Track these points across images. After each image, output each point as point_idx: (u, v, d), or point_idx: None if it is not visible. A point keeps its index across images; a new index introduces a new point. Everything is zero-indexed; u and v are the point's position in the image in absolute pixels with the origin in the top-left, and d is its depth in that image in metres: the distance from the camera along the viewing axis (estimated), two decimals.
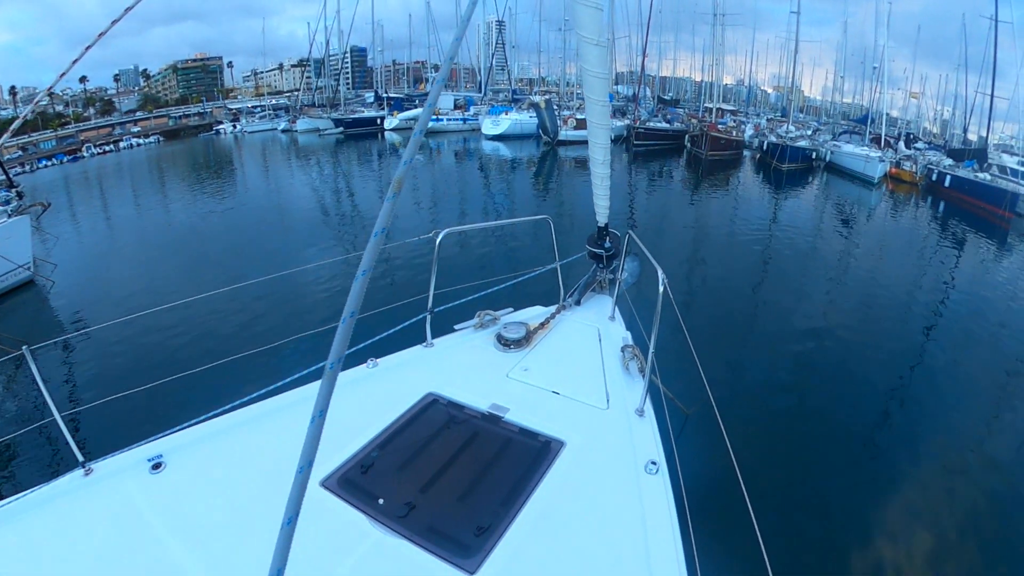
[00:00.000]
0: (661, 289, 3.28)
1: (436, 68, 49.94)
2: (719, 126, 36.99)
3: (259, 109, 52.75)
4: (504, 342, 3.99)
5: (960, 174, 31.82)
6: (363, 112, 41.19)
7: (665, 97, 53.99)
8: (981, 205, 27.89)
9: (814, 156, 36.63)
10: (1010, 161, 31.07)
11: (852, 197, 28.58)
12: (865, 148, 35.22)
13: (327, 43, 44.90)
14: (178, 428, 2.91)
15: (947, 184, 32.24)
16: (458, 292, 4.74)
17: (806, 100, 66.23)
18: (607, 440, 3.13)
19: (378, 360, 3.64)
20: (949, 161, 35.68)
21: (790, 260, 15.41)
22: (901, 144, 39.87)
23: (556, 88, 46.17)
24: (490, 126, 34.22)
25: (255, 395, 3.21)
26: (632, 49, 48.57)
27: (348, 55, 52.85)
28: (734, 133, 37.87)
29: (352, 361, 3.47)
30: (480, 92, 45.13)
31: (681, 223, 18.98)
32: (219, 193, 19.85)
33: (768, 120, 50.95)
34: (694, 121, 39.25)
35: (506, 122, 34.31)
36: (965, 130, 44.02)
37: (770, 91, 72.13)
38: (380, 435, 2.99)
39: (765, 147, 36.55)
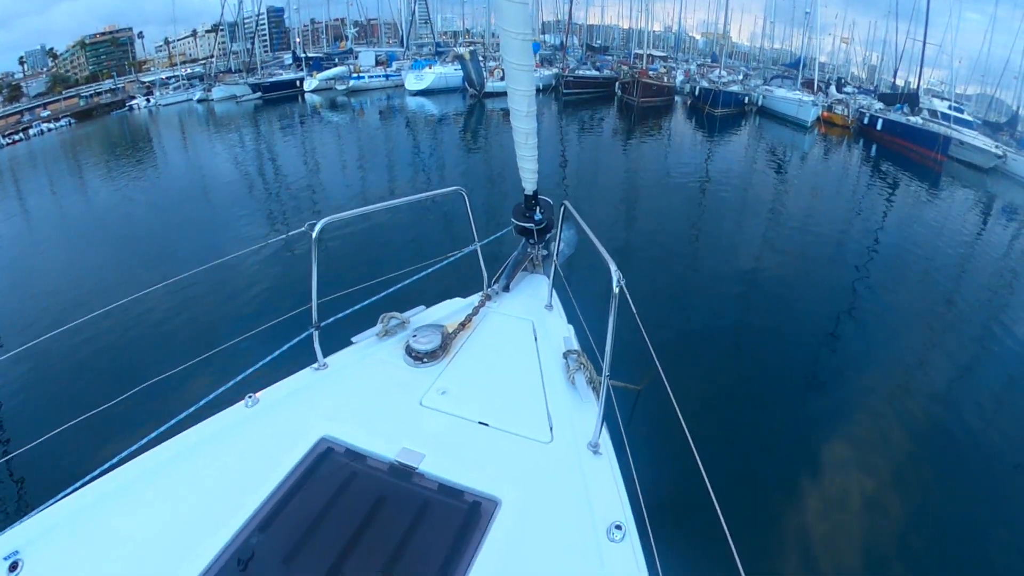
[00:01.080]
0: (616, 290, 2.48)
1: (356, 25, 48.41)
2: (650, 72, 36.74)
3: (173, 80, 50.25)
4: (415, 355, 3.27)
5: (892, 117, 32.85)
6: (281, 75, 39.49)
7: (594, 45, 53.40)
8: (913, 148, 28.87)
9: (746, 101, 37.13)
10: (941, 105, 32.46)
11: (786, 141, 29.14)
12: (798, 92, 35.98)
13: (240, 4, 42.85)
14: (41, 509, 2.23)
15: (879, 127, 33.24)
16: (355, 295, 3.98)
17: (734, 46, 66.72)
18: (554, 492, 2.51)
19: (258, 395, 2.88)
20: (880, 105, 36.82)
21: (728, 205, 15.60)
22: (832, 88, 40.80)
23: (482, 39, 45.09)
24: (414, 81, 33.12)
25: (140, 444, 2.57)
26: None
27: (264, 16, 50.65)
28: (665, 79, 37.82)
29: (228, 398, 2.85)
30: (403, 47, 43.67)
31: (616, 172, 18.84)
32: (138, 177, 18.39)
33: (698, 66, 51.18)
34: (624, 68, 38.93)
35: (430, 76, 33.31)
36: (895, 75, 45.08)
37: (698, 37, 72.22)
38: (261, 508, 2.33)
39: (697, 93, 36.83)
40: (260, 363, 3.22)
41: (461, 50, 34.76)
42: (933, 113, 31.52)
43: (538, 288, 4.24)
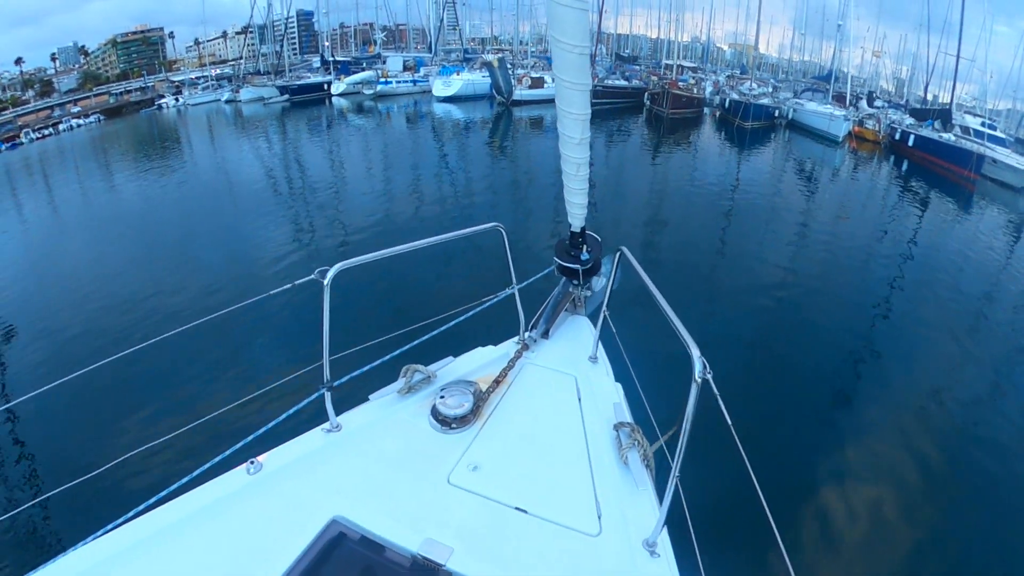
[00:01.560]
0: (699, 380, 2.01)
1: (385, 29, 48.45)
2: (680, 83, 36.47)
3: (202, 80, 50.65)
4: (442, 419, 2.83)
5: (924, 134, 32.33)
6: (309, 78, 39.60)
7: (623, 54, 53.15)
8: (945, 165, 28.34)
9: (776, 114, 36.71)
10: (973, 122, 31.95)
11: (816, 155, 28.80)
12: (829, 106, 35.65)
13: (269, 6, 43.12)
14: None
15: (910, 143, 32.71)
16: (374, 349, 3.44)
17: (762, 57, 66.43)
18: None
19: (262, 459, 2.52)
20: (911, 120, 36.23)
21: (757, 220, 15.34)
22: (863, 102, 40.40)
23: (509, 47, 44.96)
24: (441, 87, 33.07)
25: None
26: (589, 5, 47.66)
27: (294, 19, 50.97)
28: (695, 91, 37.54)
29: (232, 461, 2.57)
30: (431, 53, 43.66)
31: (646, 183, 18.67)
32: (163, 176, 18.33)
33: (727, 78, 50.72)
34: (654, 78, 38.67)
35: (458, 83, 33.18)
36: (925, 89, 44.58)
37: (726, 48, 72.00)
38: None
39: (727, 105, 36.50)
40: (265, 428, 2.84)
41: (489, 57, 34.63)
42: (965, 130, 30.93)
43: (580, 333, 3.82)
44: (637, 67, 47.35)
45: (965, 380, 7.96)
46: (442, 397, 2.89)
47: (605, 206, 15.06)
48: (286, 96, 35.90)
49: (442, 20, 45.76)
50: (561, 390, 3.28)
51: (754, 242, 13.15)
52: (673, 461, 2.21)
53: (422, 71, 38.21)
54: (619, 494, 2.57)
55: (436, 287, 9.33)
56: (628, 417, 3.04)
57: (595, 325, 3.69)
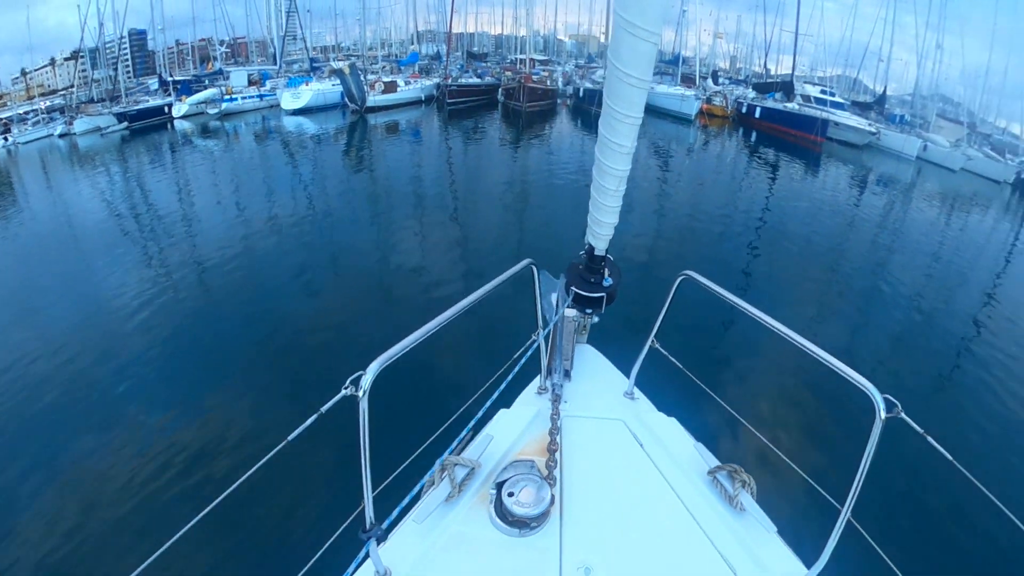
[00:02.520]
0: (883, 418, 1.97)
1: (223, 44, 46.42)
2: (534, 77, 37.14)
3: (32, 114, 46.87)
4: (515, 520, 2.30)
5: (770, 105, 35.30)
6: (148, 102, 37.33)
7: (473, 52, 53.48)
8: (793, 132, 31.25)
9: None
10: (813, 91, 35.46)
11: (672, 134, 30.61)
12: (679, 88, 37.52)
13: (100, 27, 40.32)
14: None
15: (758, 115, 35.75)
16: (402, 445, 2.92)
17: (602, 46, 69.36)
18: None
19: None
20: (755, 94, 39.04)
21: (624, 198, 16.03)
22: (709, 81, 42.94)
23: (356, 53, 44.22)
24: (290, 100, 32.20)
25: None
26: (429, 6, 48.02)
27: (126, 39, 47.96)
28: (548, 83, 38.34)
29: None
30: (275, 64, 42.31)
31: (512, 176, 19.01)
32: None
33: (577, 67, 52.38)
34: (509, 74, 39.16)
35: (308, 93, 32.42)
36: (764, 64, 48.26)
37: (567, 40, 74.56)
38: None
39: (581, 94, 37.97)
40: None
41: (339, 64, 33.94)
42: (807, 98, 34.07)
43: (598, 366, 3.53)
44: (487, 64, 47.86)
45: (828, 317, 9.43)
46: (511, 494, 2.32)
47: (479, 206, 15.30)
48: (124, 124, 33.61)
49: (286, 30, 44.52)
50: (617, 440, 2.95)
51: (622, 221, 13.91)
52: (846, 501, 2.13)
53: (268, 84, 36.95)
54: (749, 546, 2.37)
55: (451, 353, 8.10)
56: (713, 456, 2.80)
57: (638, 366, 3.34)
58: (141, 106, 36.93)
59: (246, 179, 17.68)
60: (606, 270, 3.49)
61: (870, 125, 32.81)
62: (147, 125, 33.50)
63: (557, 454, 2.61)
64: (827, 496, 2.53)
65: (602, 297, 3.50)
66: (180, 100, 34.31)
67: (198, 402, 6.69)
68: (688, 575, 2.25)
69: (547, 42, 58.62)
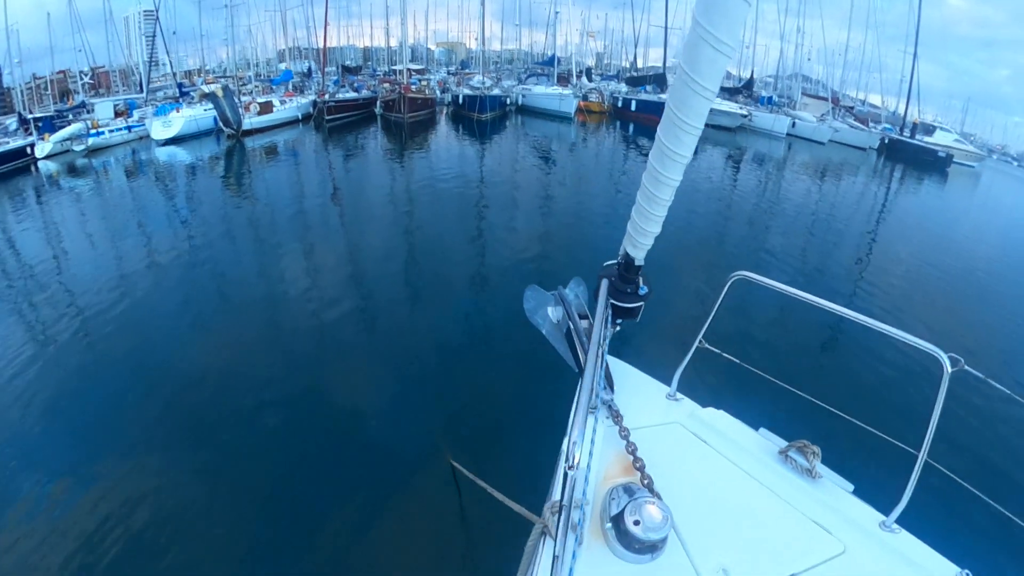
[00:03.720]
0: (950, 370, 2.47)
1: (83, 74, 44.05)
2: (412, 87, 37.17)
3: None
4: (644, 546, 2.34)
5: (644, 98, 36.73)
6: (8, 143, 34.72)
7: (347, 65, 52.87)
8: None
9: (508, 102, 38.91)
10: None
11: (554, 133, 31.43)
12: (556, 88, 38.51)
13: None
14: None
15: (633, 108, 37.35)
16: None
17: (469, 52, 70.72)
18: None
19: None
20: (627, 88, 40.55)
21: (519, 200, 16.80)
22: (583, 79, 44.15)
23: (225, 74, 42.91)
24: (161, 129, 30.73)
25: None
26: (295, 21, 47.37)
27: None
28: (427, 92, 38.47)
29: None
30: (142, 93, 40.43)
31: (397, 188, 19.12)
32: None
33: (451, 74, 52.86)
34: (386, 86, 38.98)
35: (179, 121, 31.08)
36: (634, 59, 50.24)
37: (435, 48, 75.54)
38: None
39: (461, 101, 38.33)
40: None
41: (211, 87, 32.81)
42: None
43: (623, 374, 3.59)
44: (362, 77, 47.48)
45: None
46: (636, 523, 2.29)
47: (368, 222, 15.39)
48: None
49: (151, 56, 42.58)
50: (683, 443, 3.11)
51: (515, 221, 14.72)
52: (922, 447, 2.58)
53: (136, 114, 35.23)
54: (832, 506, 2.73)
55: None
56: (778, 437, 3.14)
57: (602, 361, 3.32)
58: (1, 149, 34.30)
59: (121, 220, 16.90)
60: (641, 279, 3.43)
61: (741, 108, 34.94)
62: (9, 169, 30.86)
63: (647, 469, 2.66)
64: (901, 445, 2.91)
65: (639, 307, 3.45)
66: (43, 139, 32.11)
67: (95, 471, 6.44)
68: (793, 546, 2.52)
69: (415, 51, 58.72)
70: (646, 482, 2.59)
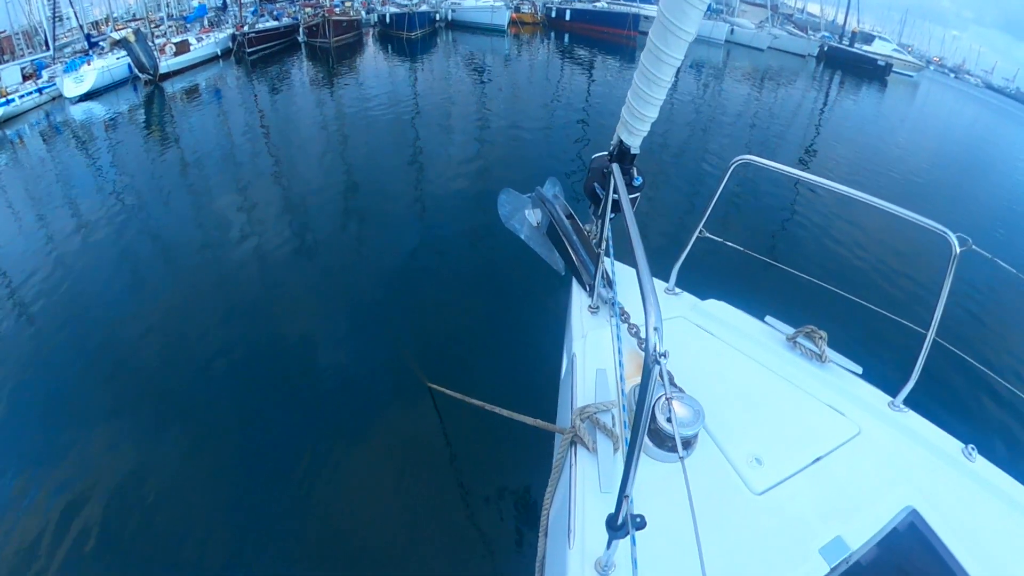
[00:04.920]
0: (958, 248, 2.52)
1: None
2: (335, 10, 35.56)
3: None
4: (674, 444, 2.15)
5: (579, 7, 36.18)
6: None
7: None
8: (605, 30, 32.57)
9: (437, 18, 37.69)
10: None
11: (487, 47, 30.69)
12: (489, 1, 37.21)
13: None
14: None
15: (568, 18, 36.65)
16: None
17: None
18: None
19: None
20: None
21: (457, 116, 16.51)
22: None
23: (136, 19, 40.41)
24: (73, 85, 28.90)
25: None
26: None
27: None
28: (351, 13, 36.91)
29: None
30: (49, 50, 38.05)
31: (338, 117, 18.66)
32: None
33: None
34: (308, 10, 37.05)
35: (92, 74, 29.28)
36: None
37: None
38: None
39: (388, 20, 36.90)
40: None
41: (121, 34, 30.82)
42: None
43: (621, 271, 3.45)
44: (280, 4, 45.20)
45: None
46: (668, 419, 2.23)
47: (301, 155, 15.08)
48: None
49: (53, 11, 39.83)
50: (690, 336, 3.15)
51: (447, 142, 14.52)
52: (930, 326, 2.66)
53: (45, 75, 33.22)
54: (842, 388, 2.85)
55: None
56: (784, 324, 3.19)
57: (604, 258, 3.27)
58: None
59: (44, 190, 16.09)
60: (635, 169, 3.25)
61: None
62: None
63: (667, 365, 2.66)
64: (909, 324, 2.97)
65: (635, 199, 3.23)
66: None
67: (58, 452, 6.35)
68: (812, 430, 2.63)
69: None
70: (667, 376, 2.51)
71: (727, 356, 3.02)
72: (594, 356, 2.93)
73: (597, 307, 3.27)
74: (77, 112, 26.99)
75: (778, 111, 20.94)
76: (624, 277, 3.44)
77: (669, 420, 2.22)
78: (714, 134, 15.76)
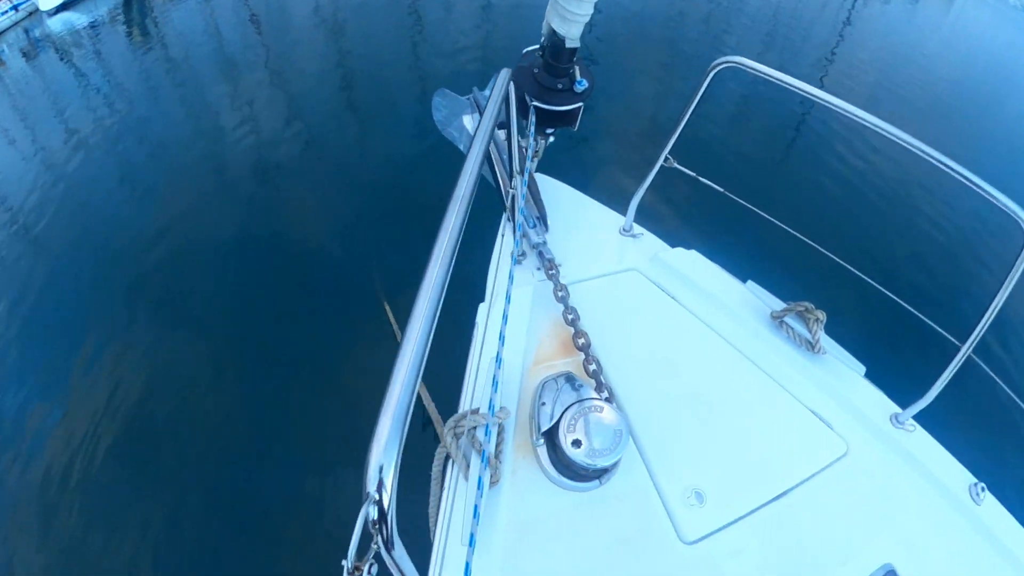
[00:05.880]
0: None
1: None
2: None
3: None
4: (587, 473, 1.79)
5: None
6: None
7: None
8: None
9: None
10: None
11: None
12: None
13: None
14: None
15: None
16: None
17: None
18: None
19: None
20: None
21: None
22: None
23: None
24: None
25: None
26: None
27: None
28: None
29: None
30: None
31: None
32: None
33: None
34: None
35: None
36: None
37: None
38: None
39: None
40: None
41: None
42: None
43: (560, 202, 2.71)
44: None
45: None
46: (576, 443, 1.69)
47: (296, 44, 14.47)
48: None
49: None
50: (642, 298, 2.41)
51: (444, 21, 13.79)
52: (971, 336, 1.92)
53: None
54: (837, 396, 2.17)
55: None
56: (771, 296, 2.46)
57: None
58: None
59: (34, 108, 15.37)
60: (577, 70, 2.50)
61: None
62: None
63: (594, 348, 2.05)
64: (940, 331, 2.20)
65: (576, 109, 2.58)
66: None
67: (81, 365, 6.21)
68: (784, 447, 2.02)
69: None
70: (589, 367, 1.98)
71: (688, 331, 2.31)
72: (493, 332, 2.12)
73: (524, 253, 2.46)
74: (55, 24, 25.48)
75: (801, 14, 18.46)
76: (567, 210, 2.70)
77: (577, 444, 1.67)
78: (716, 25, 13.94)
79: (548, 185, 2.84)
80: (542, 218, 2.55)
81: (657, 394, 2.06)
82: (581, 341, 2.03)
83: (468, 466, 1.70)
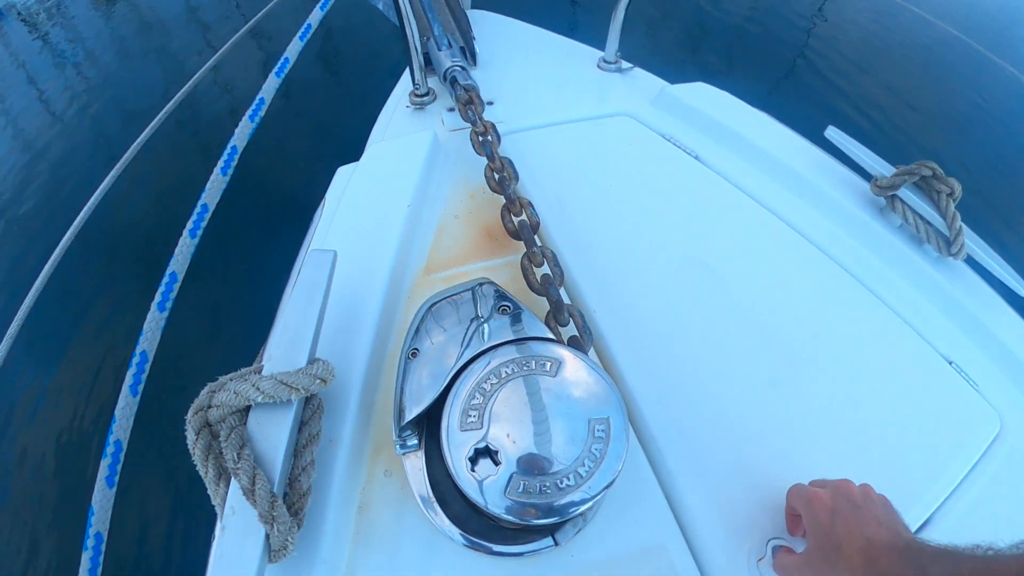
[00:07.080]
0: None
1: None
2: None
3: None
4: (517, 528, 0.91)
5: None
6: None
7: None
8: None
9: None
10: None
11: None
12: None
13: None
14: None
15: None
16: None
17: None
18: None
19: None
20: None
21: None
22: None
23: None
24: None
25: None
26: None
27: None
28: None
29: None
30: None
31: None
32: None
33: None
34: None
35: None
36: None
37: None
38: None
39: None
40: None
41: None
42: None
43: (505, 34, 1.92)
44: None
45: None
46: (484, 457, 0.83)
47: None
48: None
49: None
50: (645, 163, 1.49)
51: None
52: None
53: None
54: (985, 331, 1.24)
55: None
56: (874, 156, 1.45)
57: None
58: None
59: (9, 85, 14.77)
60: None
61: None
62: None
63: (545, 235, 1.22)
64: None
65: None
66: None
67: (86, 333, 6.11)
68: (910, 407, 1.15)
69: None
70: (543, 274, 1.09)
71: (725, 216, 1.33)
72: (357, 214, 1.34)
73: (426, 93, 1.67)
74: None
75: None
76: (513, 42, 1.84)
77: (491, 457, 0.83)
78: None
79: (488, 21, 2.06)
80: (467, 49, 1.75)
81: (679, 335, 1.12)
82: (522, 220, 1.15)
83: (224, 503, 0.80)
